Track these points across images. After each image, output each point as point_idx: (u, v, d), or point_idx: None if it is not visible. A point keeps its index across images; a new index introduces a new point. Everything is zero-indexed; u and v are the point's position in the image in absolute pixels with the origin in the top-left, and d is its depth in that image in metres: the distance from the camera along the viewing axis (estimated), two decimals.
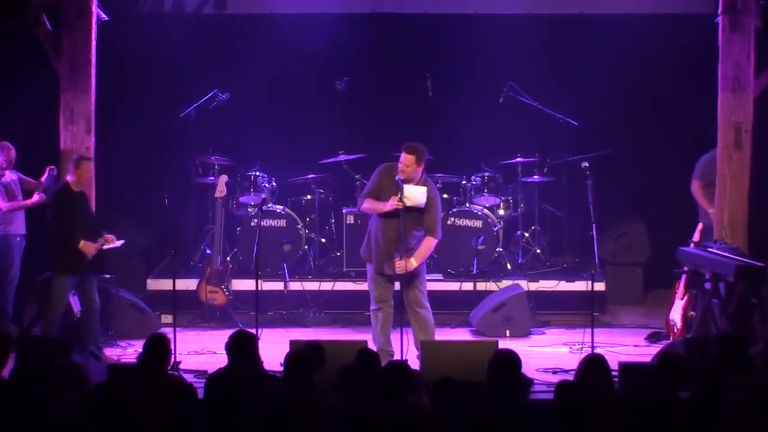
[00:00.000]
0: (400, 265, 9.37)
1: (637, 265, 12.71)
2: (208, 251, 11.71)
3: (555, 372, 9.44)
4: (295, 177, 12.46)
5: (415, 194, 9.45)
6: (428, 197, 9.50)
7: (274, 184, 12.34)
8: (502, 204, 12.26)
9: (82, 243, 9.75)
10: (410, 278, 9.54)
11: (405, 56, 13.00)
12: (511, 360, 6.45)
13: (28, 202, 10.75)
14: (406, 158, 9.45)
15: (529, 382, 6.62)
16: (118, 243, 10.04)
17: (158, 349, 7.00)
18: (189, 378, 9.04)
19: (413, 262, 9.40)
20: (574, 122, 12.26)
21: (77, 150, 10.68)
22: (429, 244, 9.54)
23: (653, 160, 12.95)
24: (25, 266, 10.81)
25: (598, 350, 9.61)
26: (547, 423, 5.99)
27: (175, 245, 9.91)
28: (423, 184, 9.54)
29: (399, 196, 9.38)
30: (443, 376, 6.33)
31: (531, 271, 12.18)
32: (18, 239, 10.72)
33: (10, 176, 10.75)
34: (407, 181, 9.46)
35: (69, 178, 9.97)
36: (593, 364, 6.59)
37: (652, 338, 10.75)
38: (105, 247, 9.89)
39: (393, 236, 9.44)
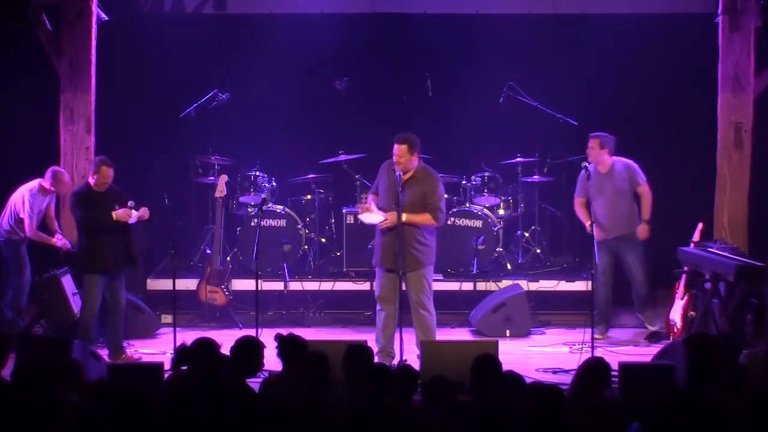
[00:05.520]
0: (388, 218, 9.39)
1: None
2: (208, 251, 11.71)
3: (555, 372, 9.44)
4: (295, 177, 12.46)
5: (370, 219, 9.57)
6: (427, 183, 9.51)
7: (274, 184, 12.34)
8: (502, 204, 12.26)
9: (114, 214, 9.78)
10: (416, 279, 9.54)
11: (405, 56, 12.99)
12: (492, 364, 6.44)
13: (53, 241, 10.74)
14: (398, 149, 9.47)
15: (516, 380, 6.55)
16: (142, 211, 9.96)
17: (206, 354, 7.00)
18: None
19: (403, 217, 9.37)
20: (574, 122, 12.25)
21: (77, 150, 10.69)
22: (426, 217, 9.48)
23: (653, 161, 12.92)
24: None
25: (598, 350, 9.64)
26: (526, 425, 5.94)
27: (174, 245, 9.90)
28: (421, 172, 9.54)
29: (397, 191, 9.39)
30: (437, 374, 6.33)
31: (531, 271, 12.18)
32: (25, 244, 10.77)
33: (48, 201, 10.74)
34: (405, 171, 9.47)
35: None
36: (593, 368, 6.56)
37: (652, 338, 10.75)
38: (134, 216, 9.84)
39: (393, 233, 9.44)
